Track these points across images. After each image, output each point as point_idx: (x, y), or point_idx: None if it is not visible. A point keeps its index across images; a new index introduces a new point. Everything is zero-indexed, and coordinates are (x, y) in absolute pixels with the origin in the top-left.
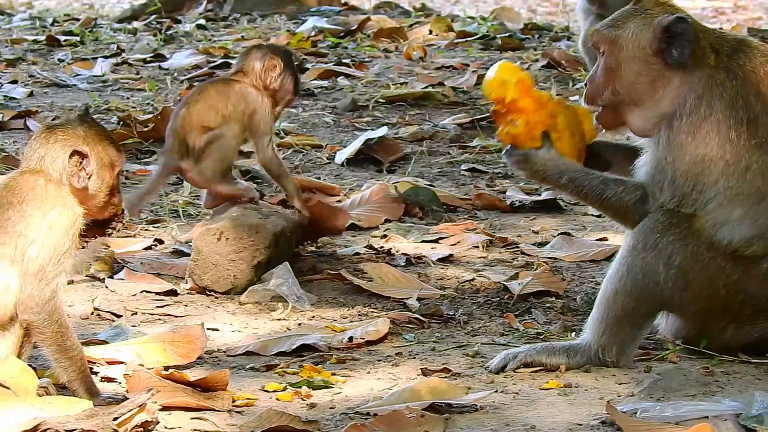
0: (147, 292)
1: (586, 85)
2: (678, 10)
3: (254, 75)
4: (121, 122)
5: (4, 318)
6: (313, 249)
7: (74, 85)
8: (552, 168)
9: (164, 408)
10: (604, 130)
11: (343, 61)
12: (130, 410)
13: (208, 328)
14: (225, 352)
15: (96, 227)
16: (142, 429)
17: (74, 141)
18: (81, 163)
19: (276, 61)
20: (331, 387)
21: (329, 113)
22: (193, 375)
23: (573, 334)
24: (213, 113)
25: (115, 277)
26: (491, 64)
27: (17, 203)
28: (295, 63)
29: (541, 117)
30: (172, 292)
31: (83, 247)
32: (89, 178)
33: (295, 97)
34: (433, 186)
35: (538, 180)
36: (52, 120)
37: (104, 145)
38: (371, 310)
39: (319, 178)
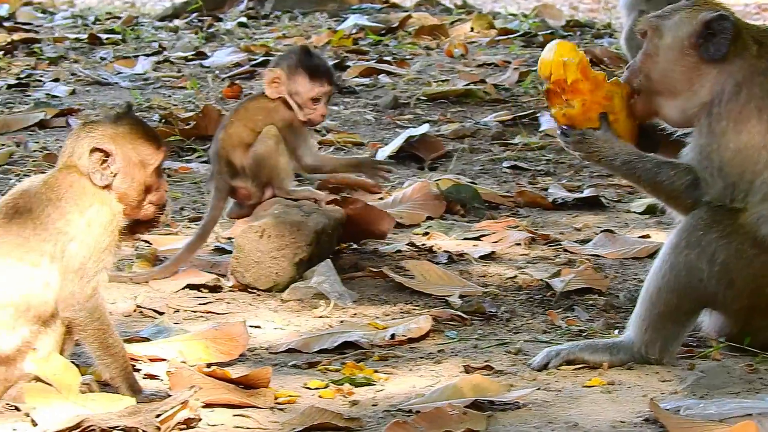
0: (190, 288)
1: (627, 68)
2: (724, 9)
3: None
4: (163, 120)
5: (46, 315)
6: (355, 246)
7: (116, 83)
8: (608, 150)
9: (206, 405)
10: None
11: (385, 58)
12: (173, 407)
13: (250, 326)
14: (267, 349)
15: (139, 222)
16: (184, 426)
17: (99, 138)
18: (105, 161)
19: (274, 73)
20: (374, 384)
21: (371, 111)
22: (235, 372)
23: (616, 331)
24: (248, 130)
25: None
26: (533, 62)
27: (56, 200)
28: (307, 56)
29: (597, 98)
30: (215, 289)
31: (133, 247)
32: (114, 176)
33: (327, 88)
34: (475, 183)
35: (593, 161)
36: (93, 117)
37: (136, 143)
38: (413, 307)
39: (360, 176)
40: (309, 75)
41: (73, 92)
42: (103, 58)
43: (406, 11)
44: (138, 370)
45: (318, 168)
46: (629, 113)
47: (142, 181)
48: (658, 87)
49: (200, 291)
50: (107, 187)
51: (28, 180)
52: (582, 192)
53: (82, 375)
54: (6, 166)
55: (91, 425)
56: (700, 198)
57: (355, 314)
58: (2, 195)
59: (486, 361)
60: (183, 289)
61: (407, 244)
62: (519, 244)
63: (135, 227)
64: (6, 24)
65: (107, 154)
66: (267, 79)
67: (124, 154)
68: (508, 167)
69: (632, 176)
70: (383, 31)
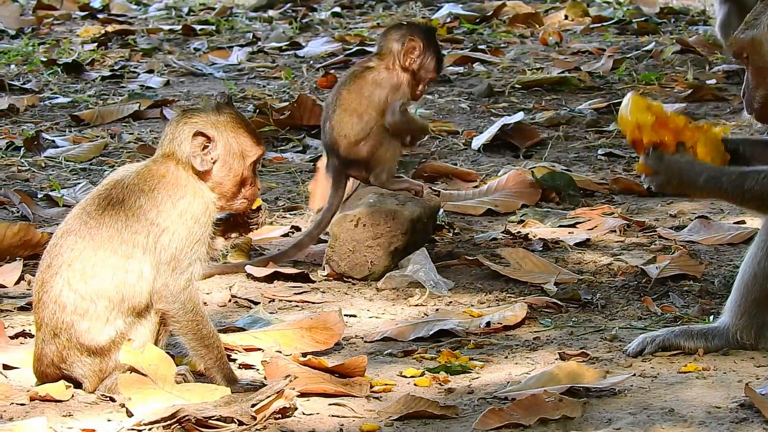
0: (282, 279)
1: (743, 95)
2: None
3: (391, 57)
4: (258, 110)
5: (140, 306)
6: (450, 235)
7: (210, 74)
8: (688, 170)
9: (302, 394)
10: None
11: (479, 47)
12: (268, 396)
13: (345, 315)
14: (362, 338)
15: (236, 224)
16: (280, 415)
17: (202, 124)
18: (206, 146)
19: (416, 42)
20: (469, 372)
21: (465, 99)
22: (330, 361)
23: (711, 317)
24: (356, 118)
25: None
26: (627, 49)
27: (148, 191)
28: (435, 36)
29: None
30: (307, 278)
31: (230, 242)
32: (213, 163)
33: (438, 75)
34: (570, 171)
35: (674, 186)
36: (193, 105)
37: (237, 133)
38: (508, 295)
39: (455, 164)
40: (437, 55)
41: (167, 83)
42: (197, 49)
43: (501, 0)
44: (233, 360)
45: (392, 126)
46: (713, 158)
47: (240, 172)
48: None
49: (295, 281)
50: (206, 173)
51: (122, 170)
52: None
53: (177, 365)
54: (100, 158)
55: (187, 415)
56: None
57: (450, 302)
58: (96, 186)
59: (581, 348)
60: (278, 279)
61: (502, 232)
62: (614, 231)
63: (230, 227)
64: (100, 16)
65: (209, 140)
66: (405, 48)
67: (225, 142)
68: (602, 154)
69: (719, 191)
70: (477, 20)
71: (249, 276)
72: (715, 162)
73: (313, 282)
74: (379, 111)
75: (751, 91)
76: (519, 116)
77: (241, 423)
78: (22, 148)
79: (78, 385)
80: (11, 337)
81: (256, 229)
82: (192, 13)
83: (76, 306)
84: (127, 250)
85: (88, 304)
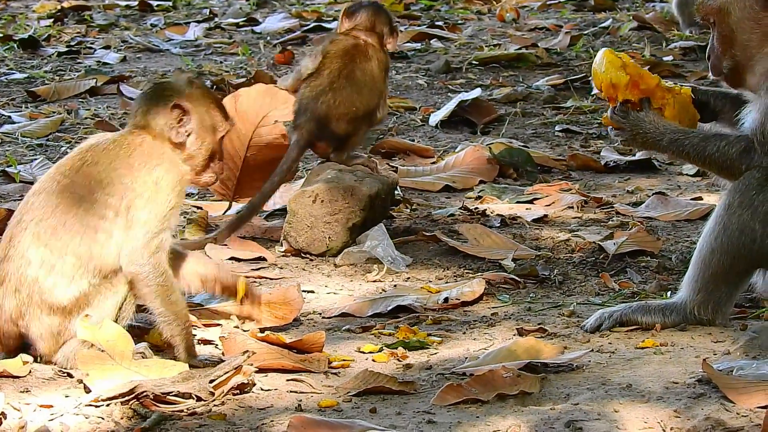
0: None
1: (708, 58)
2: None
3: (378, 36)
4: (215, 86)
5: (107, 269)
6: (408, 211)
7: (167, 50)
8: (652, 130)
9: (260, 370)
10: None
11: (436, 23)
12: (227, 372)
13: (303, 290)
14: (320, 314)
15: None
16: (238, 391)
17: (177, 96)
18: (182, 119)
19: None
20: (427, 348)
21: (422, 75)
22: (288, 337)
23: (668, 293)
24: (362, 96)
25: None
26: (584, 26)
27: (125, 156)
28: None
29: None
30: (262, 259)
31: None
32: (188, 136)
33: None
34: (527, 147)
35: (638, 144)
36: (160, 77)
37: (209, 107)
38: (466, 271)
39: (413, 141)
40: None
41: (123, 59)
42: (153, 25)
43: None
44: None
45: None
46: (681, 120)
47: (210, 146)
48: (744, 61)
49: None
50: (180, 146)
51: (97, 136)
52: (634, 155)
53: (138, 344)
54: (57, 133)
55: (144, 391)
56: (752, 164)
57: (408, 278)
58: (53, 162)
59: (539, 324)
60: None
61: (460, 208)
62: (572, 207)
63: None
64: None
65: (185, 113)
66: (397, 37)
67: (199, 116)
68: (560, 131)
69: (681, 153)
70: None
71: (206, 253)
72: (683, 124)
73: (265, 261)
74: (380, 90)
75: (717, 56)
76: (476, 92)
77: (199, 398)
78: None
79: (33, 353)
80: None
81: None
82: None
83: (43, 261)
84: (99, 210)
85: (56, 259)
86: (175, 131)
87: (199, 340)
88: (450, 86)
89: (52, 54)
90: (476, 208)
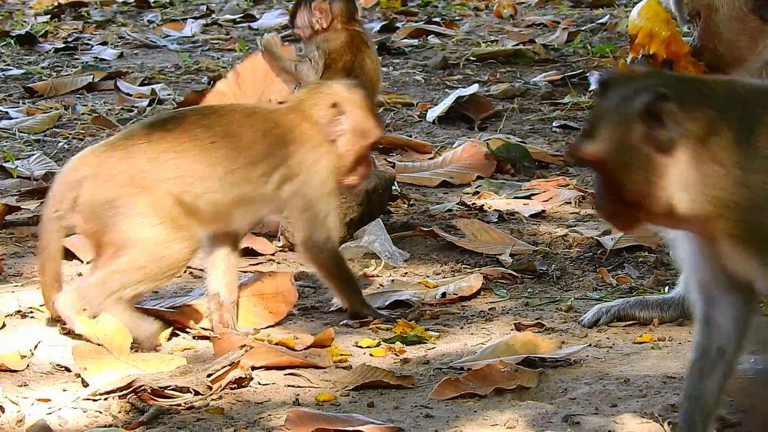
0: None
1: (690, 46)
2: None
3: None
4: (212, 82)
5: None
6: (406, 206)
7: (164, 46)
8: None
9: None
10: None
11: (434, 19)
12: (224, 366)
13: (300, 286)
14: (318, 309)
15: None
16: (236, 385)
17: (339, 97)
18: (338, 118)
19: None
20: (425, 342)
21: (420, 71)
22: (287, 333)
23: (666, 288)
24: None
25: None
26: (582, 22)
27: (285, 133)
28: None
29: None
30: (254, 253)
31: None
32: (340, 136)
33: None
34: (525, 143)
35: None
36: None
37: (365, 113)
38: (464, 266)
39: (410, 136)
40: None
41: (120, 55)
42: (151, 21)
43: None
44: (187, 332)
45: None
46: None
47: (359, 150)
48: (728, 58)
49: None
50: (334, 142)
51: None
52: None
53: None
54: (54, 129)
55: (142, 385)
56: None
57: (406, 273)
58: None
59: (537, 319)
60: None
61: (458, 204)
62: (569, 203)
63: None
64: None
65: (342, 113)
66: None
67: (354, 119)
68: (557, 126)
69: None
70: None
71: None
72: None
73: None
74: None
75: (700, 48)
76: (474, 88)
77: (196, 392)
78: None
79: None
80: None
81: None
82: None
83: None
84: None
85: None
86: (330, 128)
87: (195, 335)
88: (447, 82)
89: (50, 50)
90: (474, 203)
